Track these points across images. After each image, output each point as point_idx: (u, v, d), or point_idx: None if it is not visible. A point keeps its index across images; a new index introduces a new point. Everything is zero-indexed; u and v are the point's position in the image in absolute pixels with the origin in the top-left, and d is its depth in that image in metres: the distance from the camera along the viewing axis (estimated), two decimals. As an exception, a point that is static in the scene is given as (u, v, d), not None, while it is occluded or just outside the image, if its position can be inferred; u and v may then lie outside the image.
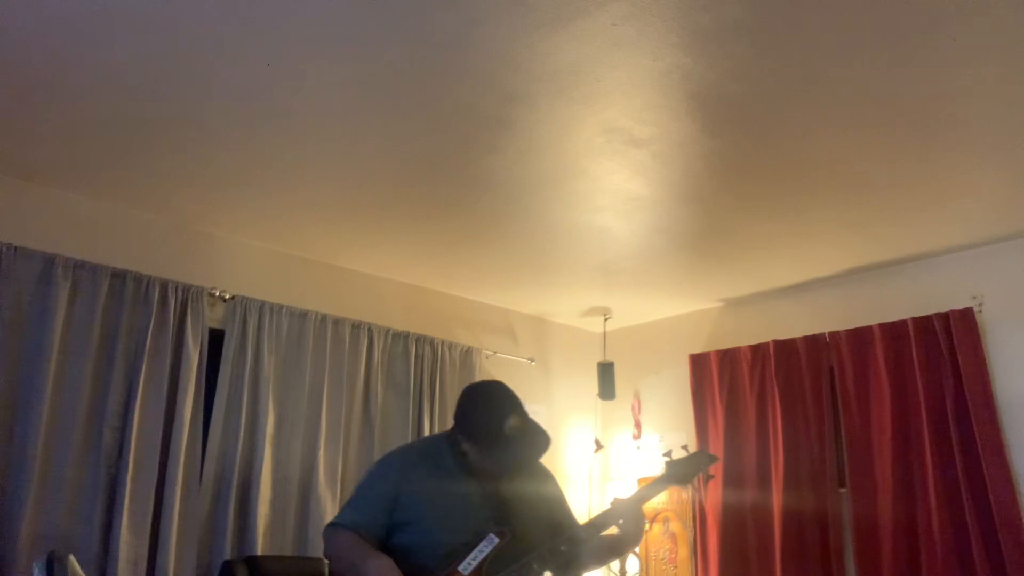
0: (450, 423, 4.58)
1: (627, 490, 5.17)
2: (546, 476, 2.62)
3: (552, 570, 2.38)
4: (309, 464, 4.16)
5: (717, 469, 4.87)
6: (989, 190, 3.63)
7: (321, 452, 4.19)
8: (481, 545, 2.27)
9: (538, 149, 3.31)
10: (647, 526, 5.08)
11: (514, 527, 2.34)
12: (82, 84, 2.90)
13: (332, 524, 2.41)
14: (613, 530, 2.53)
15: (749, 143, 3.24)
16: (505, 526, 2.33)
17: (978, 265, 4.24)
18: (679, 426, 5.21)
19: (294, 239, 4.31)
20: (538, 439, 2.37)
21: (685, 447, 2.70)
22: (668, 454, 2.68)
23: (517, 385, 2.71)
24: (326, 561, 3.86)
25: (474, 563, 2.25)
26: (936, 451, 4.08)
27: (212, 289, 4.03)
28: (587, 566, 2.52)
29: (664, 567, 5.11)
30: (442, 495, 2.35)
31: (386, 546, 2.34)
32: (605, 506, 5.23)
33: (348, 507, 2.44)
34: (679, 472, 2.61)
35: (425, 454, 2.46)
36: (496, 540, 2.28)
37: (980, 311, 4.14)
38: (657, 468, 5.16)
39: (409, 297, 4.91)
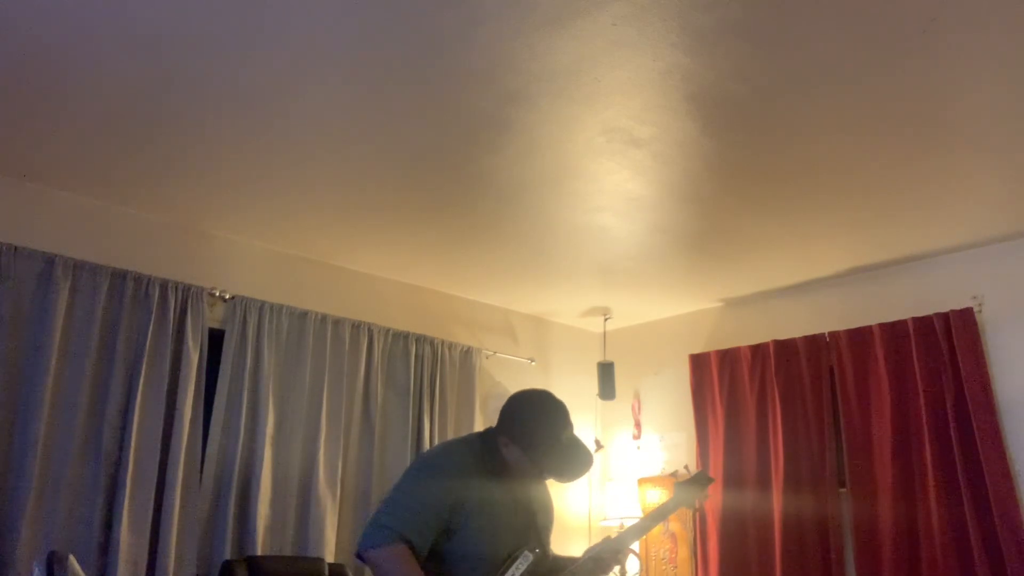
0: (450, 423, 4.65)
1: (627, 491, 5.17)
2: (547, 490, 2.62)
3: None
4: (309, 464, 4.16)
5: (717, 469, 4.87)
6: (989, 190, 3.63)
7: (321, 452, 4.19)
8: (519, 562, 2.26)
9: (538, 149, 3.31)
10: (640, 513, 5.08)
11: (542, 541, 2.36)
12: (83, 85, 2.90)
13: (386, 527, 2.19)
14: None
15: (749, 143, 3.24)
16: (535, 538, 2.34)
17: (978, 265, 4.24)
18: (679, 426, 5.21)
19: (294, 239, 4.31)
20: (588, 455, 2.40)
21: (687, 467, 2.74)
22: (675, 474, 2.72)
23: (517, 385, 2.73)
24: (328, 561, 3.89)
25: None
26: (936, 451, 4.08)
27: (212, 289, 4.03)
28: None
29: (664, 567, 5.11)
30: (491, 504, 2.30)
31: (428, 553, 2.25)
32: (605, 505, 5.23)
33: (401, 511, 2.23)
34: (687, 494, 2.65)
35: (473, 459, 2.36)
36: (531, 557, 2.28)
37: (980, 311, 4.14)
38: (656, 468, 5.18)
39: (409, 297, 4.91)
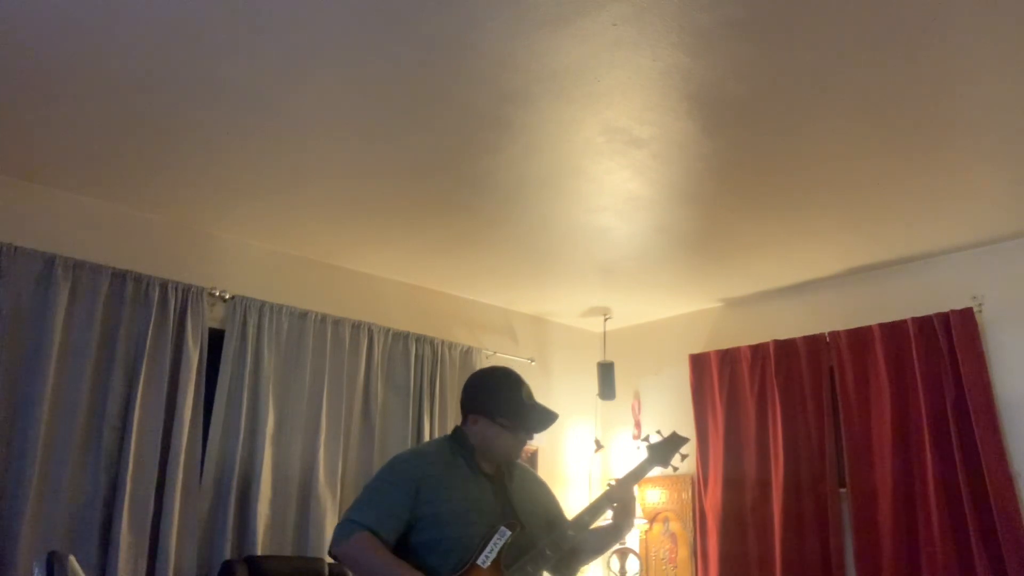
0: (451, 423, 4.65)
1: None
2: (541, 480, 2.72)
3: (559, 557, 2.40)
4: (309, 464, 4.16)
5: (717, 469, 4.87)
6: (989, 190, 3.63)
7: (321, 452, 4.19)
8: (495, 539, 2.31)
9: (538, 149, 3.31)
10: (640, 512, 5.10)
11: (523, 520, 2.40)
12: (82, 84, 2.90)
13: (349, 521, 2.32)
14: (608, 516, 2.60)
15: (749, 143, 3.24)
16: (513, 517, 2.39)
17: (978, 265, 4.24)
18: (679, 426, 5.15)
19: (294, 239, 4.31)
20: (548, 409, 2.53)
21: (659, 431, 2.83)
22: (647, 438, 2.79)
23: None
24: (327, 561, 3.89)
25: (491, 556, 2.28)
26: (936, 451, 4.08)
27: (212, 289, 4.03)
28: (589, 554, 2.56)
29: (664, 567, 5.11)
30: (459, 494, 2.38)
31: (400, 544, 2.33)
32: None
33: (364, 505, 2.36)
34: (660, 454, 2.75)
35: (437, 455, 2.47)
36: (508, 532, 2.32)
37: (980, 311, 4.14)
38: (656, 468, 5.18)
39: (409, 297, 4.91)
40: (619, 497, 2.52)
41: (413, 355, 4.69)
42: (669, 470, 2.76)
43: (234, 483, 3.90)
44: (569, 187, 3.63)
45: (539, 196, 3.73)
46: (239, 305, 4.10)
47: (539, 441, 4.96)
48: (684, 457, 2.79)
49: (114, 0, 2.46)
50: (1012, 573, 3.73)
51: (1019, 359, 4.03)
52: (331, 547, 2.35)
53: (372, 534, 2.28)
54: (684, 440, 2.78)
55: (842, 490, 4.42)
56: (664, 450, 2.75)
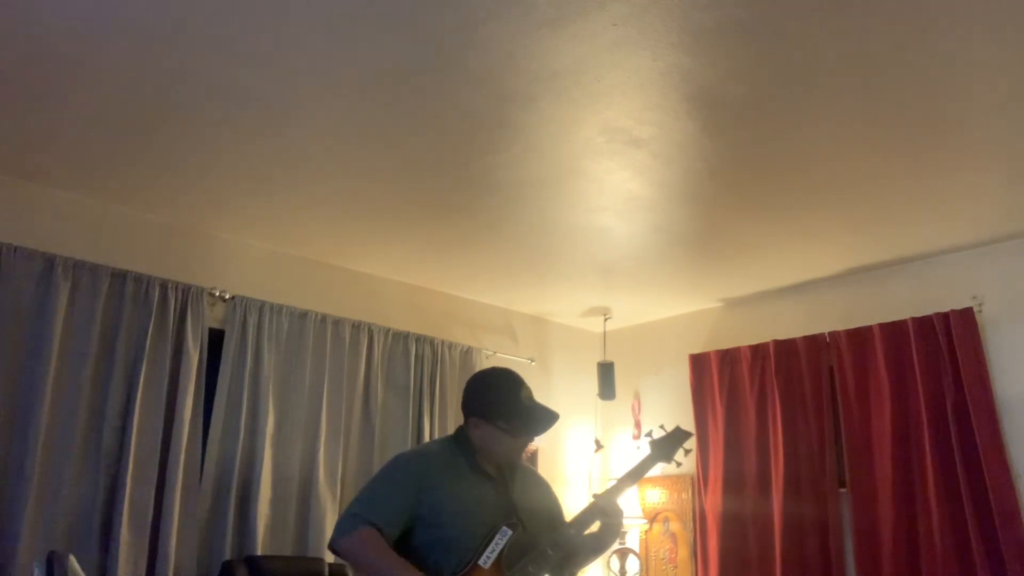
0: (451, 423, 4.65)
1: (627, 491, 5.17)
2: (544, 481, 2.72)
3: (561, 557, 2.40)
4: (309, 464, 4.16)
5: (717, 469, 4.87)
6: (989, 190, 3.63)
7: (321, 452, 4.19)
8: (496, 539, 2.31)
9: (538, 149, 3.31)
10: (640, 512, 5.09)
11: (524, 521, 2.40)
12: (83, 85, 2.90)
13: (352, 515, 2.32)
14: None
15: (749, 143, 3.24)
16: (515, 517, 2.38)
17: (978, 265, 4.24)
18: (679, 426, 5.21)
19: (294, 239, 4.31)
20: (549, 409, 2.51)
21: (663, 426, 2.77)
22: (649, 434, 2.75)
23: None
24: (328, 560, 3.90)
25: (492, 556, 2.29)
26: (936, 451, 4.08)
27: (212, 289, 4.03)
28: (590, 553, 2.55)
29: (664, 567, 5.11)
30: (460, 494, 2.38)
31: (402, 543, 2.34)
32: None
33: (367, 500, 2.36)
34: (663, 450, 2.70)
35: (439, 456, 2.48)
36: (509, 532, 2.32)
37: (980, 311, 4.14)
38: (656, 468, 5.18)
39: (409, 297, 4.91)
40: (607, 503, 2.49)
41: (413, 355, 4.70)
42: (672, 467, 2.72)
43: (234, 483, 3.90)
44: (569, 187, 3.63)
45: (539, 196, 3.73)
46: (239, 305, 4.10)
47: (539, 441, 4.96)
48: (688, 452, 2.76)
49: (114, 0, 2.47)
50: (1012, 573, 3.73)
51: (1019, 359, 4.03)
52: (332, 541, 2.33)
53: (375, 530, 2.27)
54: (688, 435, 2.74)
55: (842, 490, 4.42)
56: (667, 446, 2.71)
